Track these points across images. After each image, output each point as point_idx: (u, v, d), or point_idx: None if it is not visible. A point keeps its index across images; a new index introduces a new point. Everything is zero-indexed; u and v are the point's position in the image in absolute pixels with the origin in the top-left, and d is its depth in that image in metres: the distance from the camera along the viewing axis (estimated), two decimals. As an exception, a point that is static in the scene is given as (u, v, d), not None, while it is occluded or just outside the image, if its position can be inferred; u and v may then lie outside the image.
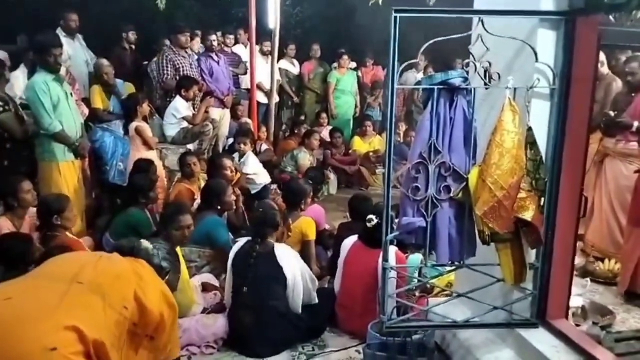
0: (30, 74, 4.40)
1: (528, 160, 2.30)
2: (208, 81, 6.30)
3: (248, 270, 3.16)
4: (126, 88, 5.68)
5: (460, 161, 2.35)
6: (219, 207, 4.05)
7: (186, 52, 6.22)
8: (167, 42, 6.56)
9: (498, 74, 2.32)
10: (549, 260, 2.49)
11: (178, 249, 3.22)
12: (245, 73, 7.21)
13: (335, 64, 8.05)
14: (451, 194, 2.36)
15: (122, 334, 1.89)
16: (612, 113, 4.05)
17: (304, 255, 3.69)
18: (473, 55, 2.35)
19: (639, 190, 3.51)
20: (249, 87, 7.10)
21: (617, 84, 4.55)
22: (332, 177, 6.81)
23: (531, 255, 2.49)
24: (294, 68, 8.04)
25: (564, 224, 2.48)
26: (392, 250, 2.95)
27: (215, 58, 6.46)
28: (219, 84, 6.42)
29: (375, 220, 3.24)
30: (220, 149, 6.36)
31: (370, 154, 7.30)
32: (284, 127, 7.92)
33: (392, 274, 2.61)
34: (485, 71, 2.32)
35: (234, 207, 4.41)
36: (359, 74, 8.40)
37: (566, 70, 2.35)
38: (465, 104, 2.34)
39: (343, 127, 7.75)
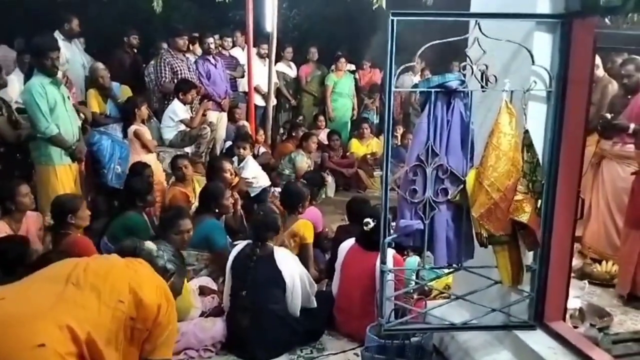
0: (26, 77, 4.40)
1: (525, 162, 2.31)
2: (206, 84, 6.31)
3: (247, 273, 3.15)
4: (123, 91, 5.68)
5: (458, 164, 2.36)
6: (217, 211, 4.04)
7: (184, 55, 6.23)
8: (165, 45, 6.56)
9: (495, 76, 2.33)
10: (547, 263, 2.49)
11: (176, 252, 3.22)
12: (242, 76, 7.22)
13: (332, 67, 8.06)
14: (449, 197, 2.36)
15: (119, 329, 1.87)
16: (608, 115, 4.06)
17: (302, 258, 3.69)
18: (470, 58, 2.36)
19: (635, 192, 3.53)
20: (247, 90, 7.10)
21: (613, 87, 4.57)
22: (330, 179, 6.81)
23: (529, 257, 2.50)
24: (291, 71, 8.05)
25: (561, 226, 2.49)
26: (390, 253, 2.96)
27: (213, 61, 6.47)
28: (216, 87, 6.42)
29: (373, 224, 3.24)
30: (218, 152, 6.36)
31: (368, 156, 7.31)
32: (281, 130, 7.93)
33: (390, 276, 2.61)
34: (482, 74, 2.33)
35: (232, 210, 4.40)
36: (357, 76, 8.41)
37: (563, 72, 2.37)
38: (463, 106, 2.34)
39: (340, 130, 7.76)
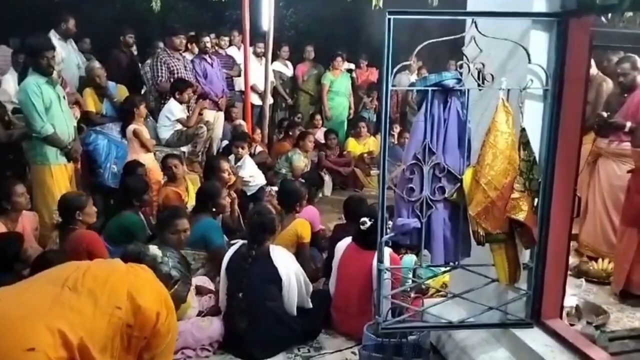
0: (20, 76, 4.39)
1: (521, 160, 2.32)
2: (202, 83, 6.29)
3: (243, 274, 3.15)
4: (119, 91, 5.66)
5: (455, 162, 2.36)
6: (214, 210, 4.04)
7: (180, 54, 6.21)
8: (162, 44, 6.54)
9: (492, 75, 2.33)
10: (543, 261, 2.50)
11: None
12: (239, 75, 7.20)
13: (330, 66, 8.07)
14: (446, 195, 2.37)
15: (116, 336, 1.83)
16: (605, 114, 4.07)
17: (299, 257, 3.68)
18: (466, 57, 2.36)
19: (632, 190, 3.54)
20: (243, 89, 7.10)
21: (608, 85, 4.58)
22: (327, 178, 6.81)
23: (525, 255, 2.51)
24: (287, 70, 8.04)
25: (558, 224, 2.50)
26: (387, 251, 2.96)
27: (210, 60, 6.45)
28: (213, 86, 6.41)
29: (369, 223, 3.24)
30: (215, 152, 6.34)
31: (365, 155, 7.31)
32: (278, 129, 7.93)
33: (387, 275, 2.62)
34: (478, 72, 2.34)
35: (230, 209, 4.40)
36: (354, 75, 8.41)
37: (559, 71, 2.37)
38: (459, 105, 2.35)
39: (337, 129, 7.76)
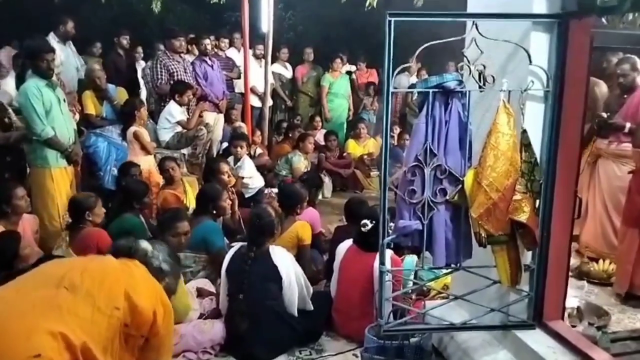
0: (18, 78, 4.38)
1: (523, 162, 2.32)
2: (203, 85, 6.29)
3: (243, 276, 3.15)
4: (118, 93, 5.66)
5: (456, 164, 2.36)
6: (214, 212, 4.03)
7: (180, 56, 6.21)
8: (162, 46, 6.55)
9: (492, 76, 2.34)
10: (545, 262, 2.50)
11: (174, 254, 3.21)
12: (239, 77, 7.21)
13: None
14: (447, 197, 2.37)
15: (115, 336, 1.84)
16: (604, 115, 4.08)
17: (300, 259, 3.68)
18: (467, 59, 2.36)
19: (633, 191, 3.54)
20: (243, 91, 7.10)
21: (601, 89, 4.56)
22: (327, 180, 6.80)
23: (527, 257, 2.50)
24: (287, 72, 8.05)
25: (559, 225, 2.50)
26: (388, 253, 2.96)
27: (210, 62, 6.45)
28: (213, 88, 6.41)
29: (370, 225, 3.24)
30: (215, 154, 6.34)
31: (365, 157, 7.31)
32: (277, 130, 7.93)
33: (389, 277, 2.61)
34: (479, 74, 2.34)
35: (230, 211, 4.40)
36: (354, 77, 8.42)
37: (560, 72, 2.37)
38: (461, 106, 2.35)
39: (337, 131, 7.75)
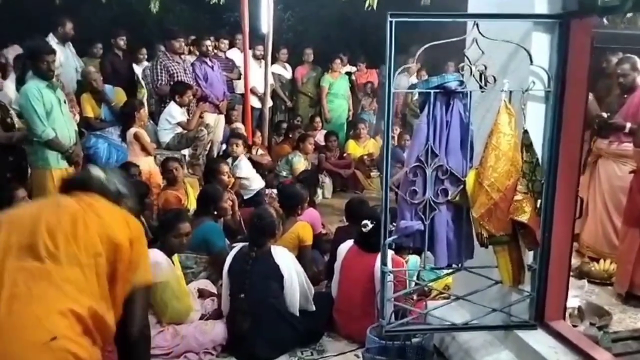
0: (18, 80, 4.38)
1: (524, 162, 2.32)
2: (203, 86, 6.29)
3: (244, 276, 3.15)
4: (116, 94, 5.66)
5: (457, 164, 2.37)
6: (215, 213, 4.03)
7: (180, 57, 6.21)
8: (162, 47, 6.55)
9: (494, 77, 2.34)
10: (547, 262, 2.50)
11: (175, 256, 3.21)
12: (239, 78, 7.21)
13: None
14: (449, 197, 2.37)
15: (105, 282, 1.81)
16: (605, 114, 4.08)
17: (301, 260, 3.67)
18: (468, 59, 2.36)
19: (634, 190, 3.54)
20: (243, 91, 7.10)
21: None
22: (327, 181, 6.80)
23: (529, 257, 2.50)
24: (286, 72, 8.04)
25: (561, 225, 2.50)
26: (389, 253, 2.96)
27: (210, 63, 6.45)
28: (214, 89, 6.41)
29: (371, 225, 3.24)
30: (215, 155, 6.34)
31: (365, 157, 7.31)
32: (276, 131, 7.92)
33: (390, 277, 2.61)
34: (481, 74, 2.34)
35: (231, 212, 4.40)
36: (353, 77, 8.42)
37: (561, 72, 2.37)
38: (462, 107, 2.35)
39: (337, 131, 7.75)
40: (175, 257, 3.22)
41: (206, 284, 3.63)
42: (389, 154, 2.39)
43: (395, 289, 2.81)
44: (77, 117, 5.07)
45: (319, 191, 6.30)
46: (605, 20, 2.83)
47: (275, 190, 5.45)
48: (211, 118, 6.32)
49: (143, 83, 6.49)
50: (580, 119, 2.47)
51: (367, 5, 5.88)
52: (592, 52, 2.45)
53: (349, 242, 3.46)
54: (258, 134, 6.98)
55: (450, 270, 2.63)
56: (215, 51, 6.94)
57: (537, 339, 2.52)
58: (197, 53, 6.71)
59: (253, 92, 7.22)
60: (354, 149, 7.54)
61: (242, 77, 7.06)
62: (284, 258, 3.21)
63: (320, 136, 7.51)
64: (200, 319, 3.26)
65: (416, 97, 7.51)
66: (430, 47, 2.27)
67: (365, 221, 3.29)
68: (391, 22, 2.23)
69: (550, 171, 2.42)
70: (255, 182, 5.66)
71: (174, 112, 5.74)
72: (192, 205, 4.64)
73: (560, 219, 2.48)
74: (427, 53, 2.29)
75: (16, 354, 1.62)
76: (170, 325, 3.06)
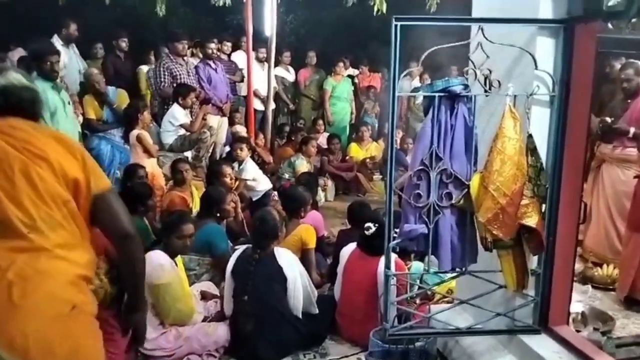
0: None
1: (529, 166, 2.32)
2: (207, 89, 6.29)
3: (248, 278, 3.15)
4: (119, 96, 5.66)
5: (462, 168, 2.36)
6: (218, 215, 4.04)
7: (184, 59, 6.22)
8: (166, 50, 6.56)
9: (498, 81, 2.34)
10: (551, 267, 2.49)
11: (178, 257, 3.21)
12: (242, 80, 7.22)
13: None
14: (453, 201, 2.36)
15: (81, 219, 1.78)
16: (609, 119, 4.08)
17: (304, 263, 3.67)
18: (473, 63, 2.36)
19: (638, 195, 3.53)
20: (246, 94, 7.10)
21: None
22: (330, 184, 6.80)
23: (533, 261, 2.50)
24: (289, 75, 8.06)
25: (565, 230, 2.50)
26: (392, 257, 2.95)
27: (214, 66, 6.46)
28: (217, 92, 6.41)
29: (374, 228, 3.24)
30: (217, 157, 6.35)
31: (367, 160, 7.31)
32: (279, 134, 7.93)
33: (394, 281, 2.61)
34: (485, 78, 2.34)
35: (234, 214, 4.39)
36: (356, 80, 8.43)
37: (565, 77, 2.37)
38: (466, 111, 2.35)
39: (340, 134, 7.76)
40: (179, 258, 3.22)
41: (209, 286, 3.63)
42: (393, 157, 2.39)
43: (398, 292, 2.81)
44: (80, 119, 5.08)
45: (322, 194, 6.30)
46: (609, 25, 2.82)
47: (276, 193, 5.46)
48: (214, 120, 6.32)
49: (147, 84, 6.51)
50: (585, 124, 2.47)
51: (376, 10, 5.90)
52: (597, 57, 2.45)
53: (352, 245, 3.46)
54: (261, 136, 6.98)
55: (454, 274, 2.62)
56: (219, 54, 6.95)
57: (541, 343, 2.51)
58: (201, 55, 6.72)
59: (256, 94, 7.23)
60: (357, 152, 7.54)
61: (245, 79, 7.07)
62: (287, 260, 3.22)
63: (322, 139, 7.52)
64: (203, 320, 3.26)
65: (419, 100, 7.56)
66: (433, 52, 2.27)
67: (367, 224, 3.29)
68: (396, 25, 2.23)
69: (555, 175, 2.42)
70: (262, 184, 5.66)
71: (177, 114, 5.74)
72: (196, 208, 4.64)
73: (564, 224, 2.48)
74: (430, 57, 2.30)
75: (41, 331, 1.62)
76: (173, 327, 3.06)
